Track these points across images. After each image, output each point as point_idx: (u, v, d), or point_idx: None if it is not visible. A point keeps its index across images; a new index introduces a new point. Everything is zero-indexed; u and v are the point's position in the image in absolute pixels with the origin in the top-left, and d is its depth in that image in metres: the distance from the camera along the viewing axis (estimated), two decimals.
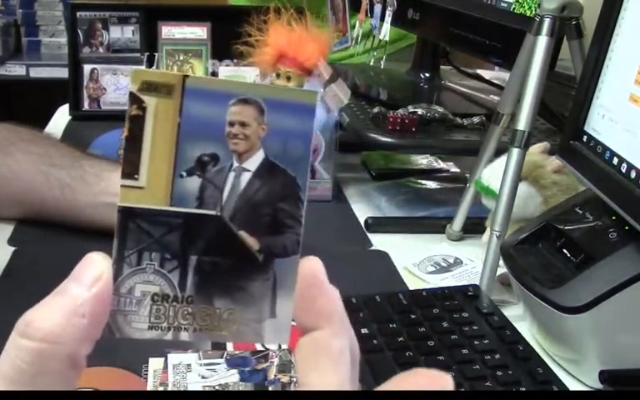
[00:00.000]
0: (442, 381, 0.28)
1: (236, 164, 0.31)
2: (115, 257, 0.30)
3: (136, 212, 0.30)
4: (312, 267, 0.32)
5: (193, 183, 0.30)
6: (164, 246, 0.31)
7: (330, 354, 0.31)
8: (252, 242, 0.31)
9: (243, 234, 0.31)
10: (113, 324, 0.30)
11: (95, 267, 0.29)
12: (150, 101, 0.30)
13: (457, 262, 0.85)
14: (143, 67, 1.20)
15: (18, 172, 0.83)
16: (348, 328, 0.32)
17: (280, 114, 0.30)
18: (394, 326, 0.65)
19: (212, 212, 0.31)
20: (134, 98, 0.30)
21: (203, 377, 0.60)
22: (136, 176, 0.30)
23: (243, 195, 0.31)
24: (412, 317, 0.66)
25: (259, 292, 0.31)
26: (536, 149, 0.82)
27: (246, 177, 0.31)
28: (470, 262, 0.85)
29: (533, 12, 0.83)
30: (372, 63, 1.17)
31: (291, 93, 0.31)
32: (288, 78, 0.98)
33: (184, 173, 0.30)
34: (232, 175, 0.31)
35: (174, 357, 0.62)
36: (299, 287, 0.31)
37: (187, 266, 0.31)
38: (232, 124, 0.30)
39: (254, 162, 0.31)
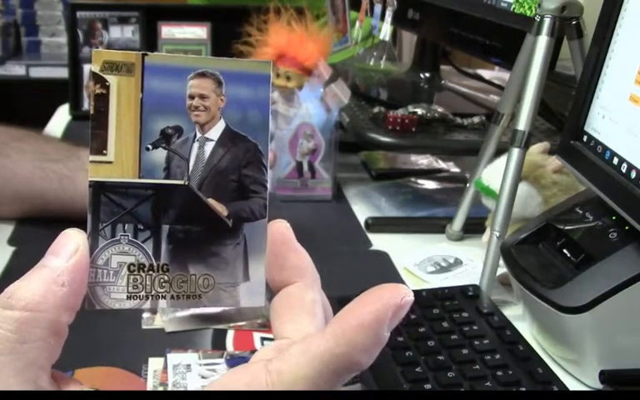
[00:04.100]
0: (401, 291, 0.29)
1: (199, 135, 0.32)
2: (90, 231, 0.32)
3: (106, 185, 0.31)
4: (280, 227, 0.33)
5: (160, 155, 0.32)
6: (136, 217, 0.32)
7: (304, 306, 0.32)
8: (221, 209, 0.32)
9: (211, 201, 0.32)
10: (93, 296, 0.32)
11: (71, 241, 0.31)
12: (112, 79, 0.31)
13: (457, 262, 0.85)
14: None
15: (15, 171, 0.83)
16: (319, 283, 0.33)
17: (237, 85, 0.32)
18: None
19: (180, 182, 0.32)
20: (97, 78, 0.31)
21: (203, 377, 0.60)
22: (104, 151, 0.31)
23: (208, 164, 0.32)
24: (412, 317, 0.66)
25: (231, 256, 0.33)
26: (536, 149, 0.82)
27: (209, 147, 0.32)
28: (470, 262, 0.85)
29: (533, 12, 0.83)
30: (372, 63, 1.17)
31: (246, 65, 0.32)
32: (288, 78, 0.98)
33: (150, 146, 0.32)
34: (196, 145, 0.32)
35: (174, 357, 0.62)
36: (270, 247, 0.33)
37: (159, 235, 0.32)
38: (192, 97, 0.32)
39: (216, 131, 0.33)
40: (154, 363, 0.62)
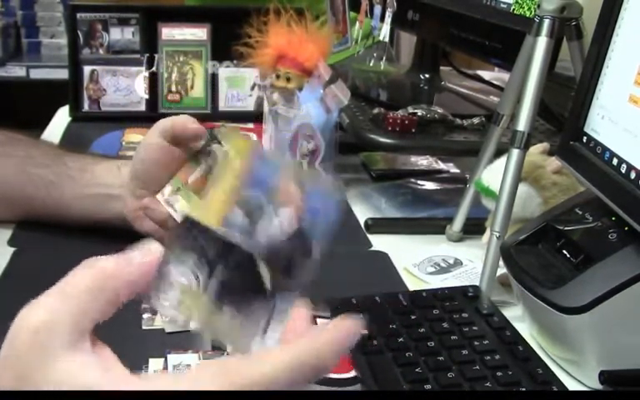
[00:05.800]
0: (350, 326, 0.39)
1: (273, 215, 0.39)
2: (166, 246, 0.39)
3: (194, 221, 0.39)
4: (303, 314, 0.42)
5: (239, 218, 0.39)
6: (204, 253, 0.39)
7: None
8: (267, 276, 0.39)
9: (263, 266, 0.39)
10: (147, 295, 0.39)
11: (149, 247, 0.40)
12: (228, 149, 0.40)
13: (457, 263, 0.85)
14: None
15: (4, 176, 0.82)
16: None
17: (314, 194, 0.41)
18: (394, 327, 0.65)
19: (247, 250, 0.38)
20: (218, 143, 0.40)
21: None
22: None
23: (272, 240, 0.39)
24: (412, 317, 0.66)
25: (260, 310, 0.39)
26: (536, 150, 0.83)
27: (278, 228, 0.40)
28: (470, 263, 0.85)
29: (533, 13, 0.83)
30: (371, 64, 1.17)
31: (324, 183, 0.42)
32: (288, 79, 0.98)
33: (236, 208, 0.39)
34: (268, 221, 0.39)
35: (174, 357, 0.62)
36: (291, 324, 0.40)
37: (213, 273, 0.39)
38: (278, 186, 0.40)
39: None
40: (154, 364, 0.62)
